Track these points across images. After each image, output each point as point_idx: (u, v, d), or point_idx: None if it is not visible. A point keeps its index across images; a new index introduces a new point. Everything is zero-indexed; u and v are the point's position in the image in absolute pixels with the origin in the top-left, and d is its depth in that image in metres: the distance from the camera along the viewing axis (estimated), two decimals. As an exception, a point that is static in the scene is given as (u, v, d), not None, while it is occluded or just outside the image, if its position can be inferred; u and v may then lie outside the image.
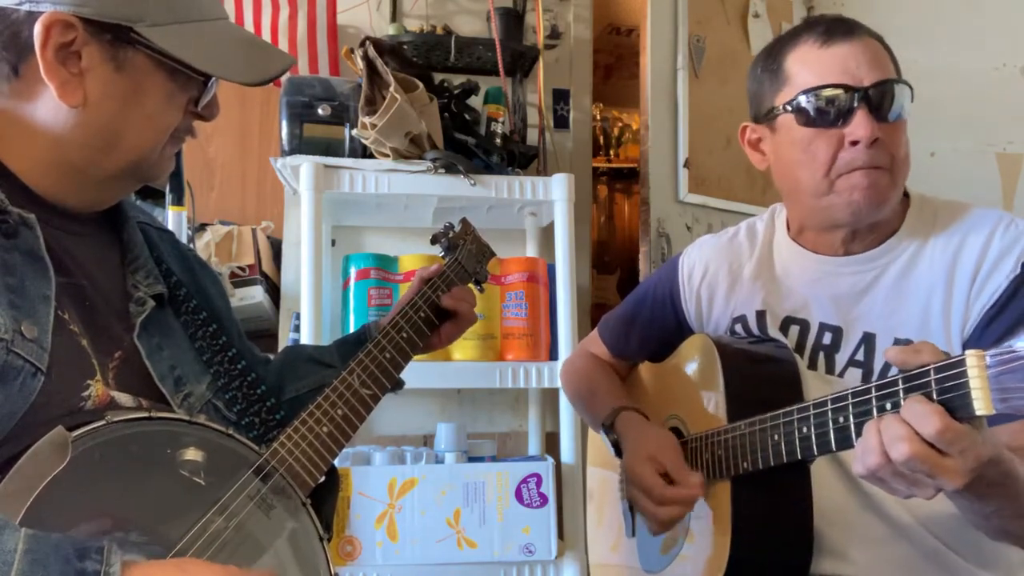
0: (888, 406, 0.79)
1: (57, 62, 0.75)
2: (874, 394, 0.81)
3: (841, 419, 0.85)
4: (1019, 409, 0.67)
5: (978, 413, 0.70)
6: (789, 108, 1.05)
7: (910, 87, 1.04)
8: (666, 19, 2.19)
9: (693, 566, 1.10)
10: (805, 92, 1.03)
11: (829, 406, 0.87)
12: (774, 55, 1.09)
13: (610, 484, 1.41)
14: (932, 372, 0.74)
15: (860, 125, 0.99)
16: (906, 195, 1.11)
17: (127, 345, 0.82)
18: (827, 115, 1.02)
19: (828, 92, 1.01)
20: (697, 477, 1.06)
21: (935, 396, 0.74)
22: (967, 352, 0.71)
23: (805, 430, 0.90)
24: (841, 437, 0.85)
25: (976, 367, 0.70)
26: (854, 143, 1.00)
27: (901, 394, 0.78)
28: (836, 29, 1.03)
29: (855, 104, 1.00)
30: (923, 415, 0.73)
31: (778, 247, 1.21)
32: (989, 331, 0.98)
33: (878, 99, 1.00)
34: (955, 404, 0.72)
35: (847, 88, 1.00)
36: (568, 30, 2.41)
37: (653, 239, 2.11)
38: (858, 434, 0.82)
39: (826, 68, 1.02)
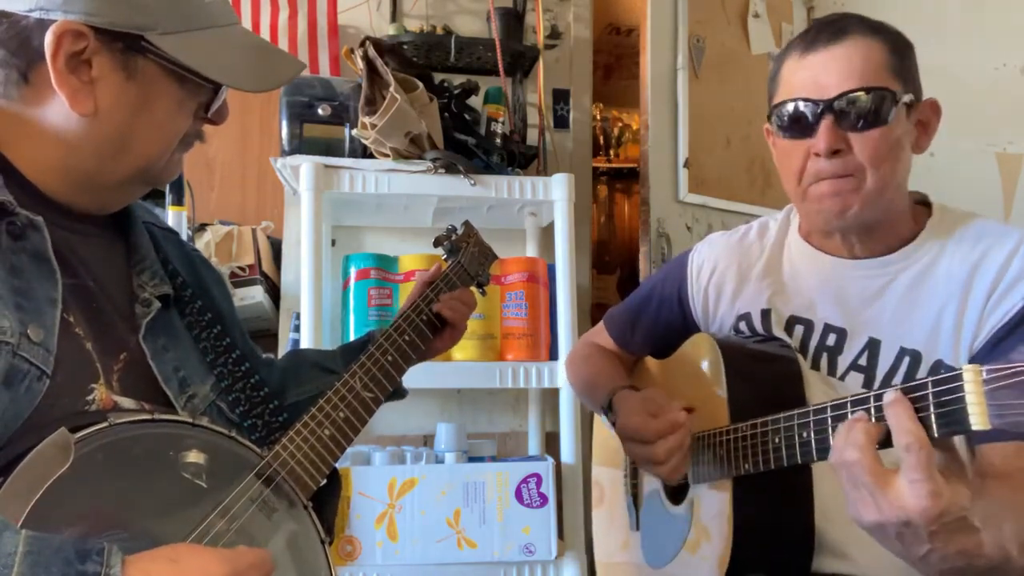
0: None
1: (68, 71, 0.74)
2: (872, 404, 0.80)
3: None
4: (1017, 425, 0.66)
5: (974, 428, 0.69)
6: (771, 119, 1.10)
7: (891, 92, 1.01)
8: (666, 19, 2.19)
9: (696, 563, 1.10)
10: (778, 105, 1.07)
11: (829, 412, 0.86)
12: (780, 57, 1.11)
13: (617, 482, 1.41)
14: (930, 385, 0.74)
15: (821, 137, 1.02)
16: (928, 204, 1.12)
17: (132, 347, 0.82)
18: (796, 128, 1.05)
19: (794, 106, 1.04)
20: (680, 404, 1.07)
21: (932, 410, 0.73)
22: (964, 366, 0.71)
23: (805, 435, 0.89)
24: None
25: (973, 382, 0.69)
26: (818, 154, 1.03)
27: None
28: (822, 34, 1.04)
29: (818, 116, 1.02)
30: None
31: (789, 247, 1.21)
32: (999, 348, 0.98)
33: (844, 109, 1.01)
34: (952, 419, 0.71)
35: (810, 101, 1.03)
36: (568, 30, 2.41)
37: (653, 239, 2.11)
38: None
39: (798, 81, 1.05)
